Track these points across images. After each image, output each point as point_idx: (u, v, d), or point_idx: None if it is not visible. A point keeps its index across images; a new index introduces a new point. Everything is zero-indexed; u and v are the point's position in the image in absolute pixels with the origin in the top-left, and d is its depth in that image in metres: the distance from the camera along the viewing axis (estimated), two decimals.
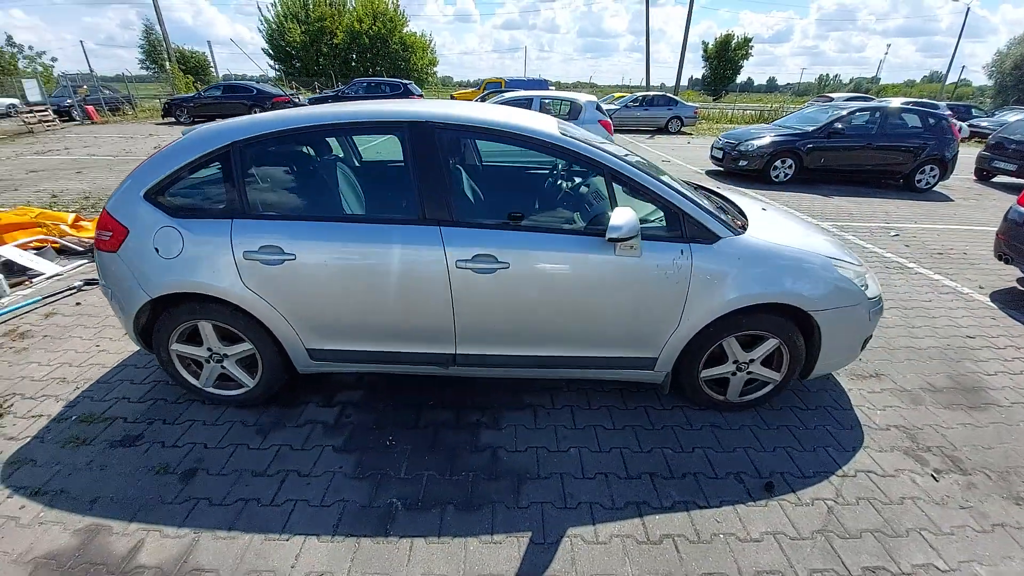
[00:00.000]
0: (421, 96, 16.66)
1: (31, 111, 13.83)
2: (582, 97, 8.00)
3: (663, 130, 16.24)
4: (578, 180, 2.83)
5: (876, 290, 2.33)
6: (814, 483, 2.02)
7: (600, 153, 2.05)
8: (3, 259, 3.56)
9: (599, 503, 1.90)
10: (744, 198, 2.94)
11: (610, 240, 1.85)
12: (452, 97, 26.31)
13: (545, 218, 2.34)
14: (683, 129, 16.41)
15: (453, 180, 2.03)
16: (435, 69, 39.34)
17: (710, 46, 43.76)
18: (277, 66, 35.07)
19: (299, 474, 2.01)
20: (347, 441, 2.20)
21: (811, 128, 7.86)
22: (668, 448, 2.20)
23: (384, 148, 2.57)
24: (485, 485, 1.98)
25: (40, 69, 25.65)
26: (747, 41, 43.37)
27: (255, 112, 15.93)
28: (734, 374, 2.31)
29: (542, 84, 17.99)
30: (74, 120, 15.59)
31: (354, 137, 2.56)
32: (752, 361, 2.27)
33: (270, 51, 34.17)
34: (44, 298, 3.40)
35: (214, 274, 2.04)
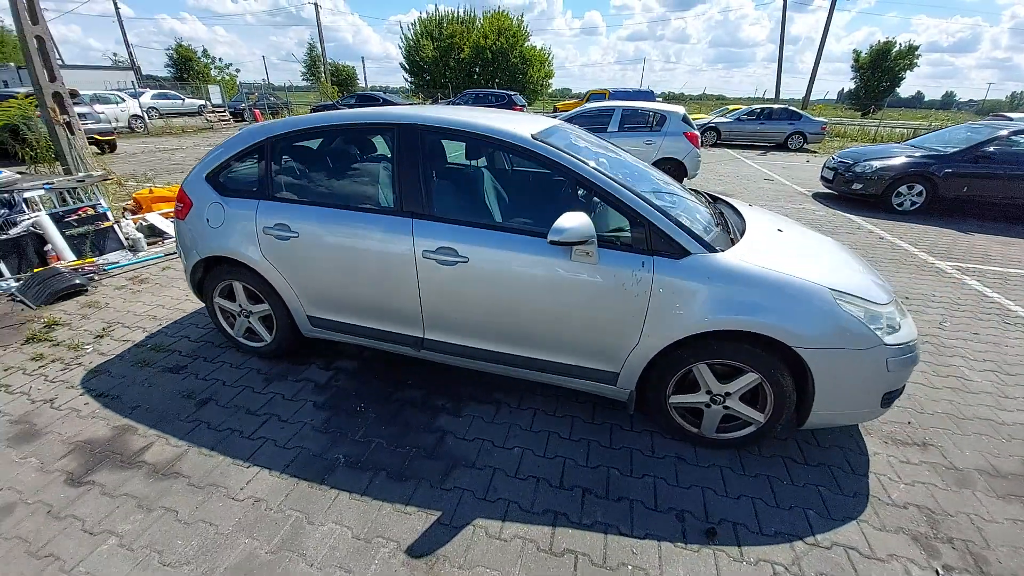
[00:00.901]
0: (524, 107, 17.25)
1: (213, 111, 17.58)
2: (667, 108, 7.64)
3: (782, 147, 14.61)
4: (559, 184, 2.78)
5: (907, 336, 1.94)
6: (770, 543, 1.76)
7: (566, 158, 2.03)
8: (148, 223, 4.66)
9: (518, 503, 1.90)
10: (765, 214, 2.65)
11: (551, 242, 1.84)
12: (555, 109, 26.69)
13: (510, 219, 2.38)
14: (807, 146, 14.57)
15: (428, 177, 2.19)
16: (551, 81, 40.29)
17: (863, 55, 38.04)
18: (411, 79, 39.06)
19: (279, 419, 2.35)
20: (327, 400, 2.49)
21: (953, 150, 6.48)
22: (616, 469, 2.09)
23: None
24: (421, 462, 2.10)
25: (226, 78, 32.05)
26: (912, 50, 36.75)
27: None
28: (708, 406, 2.11)
29: (648, 95, 17.39)
30: (244, 120, 19.30)
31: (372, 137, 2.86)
32: (729, 395, 2.05)
33: (406, 65, 38.21)
34: (166, 255, 4.38)
35: (243, 243, 2.48)
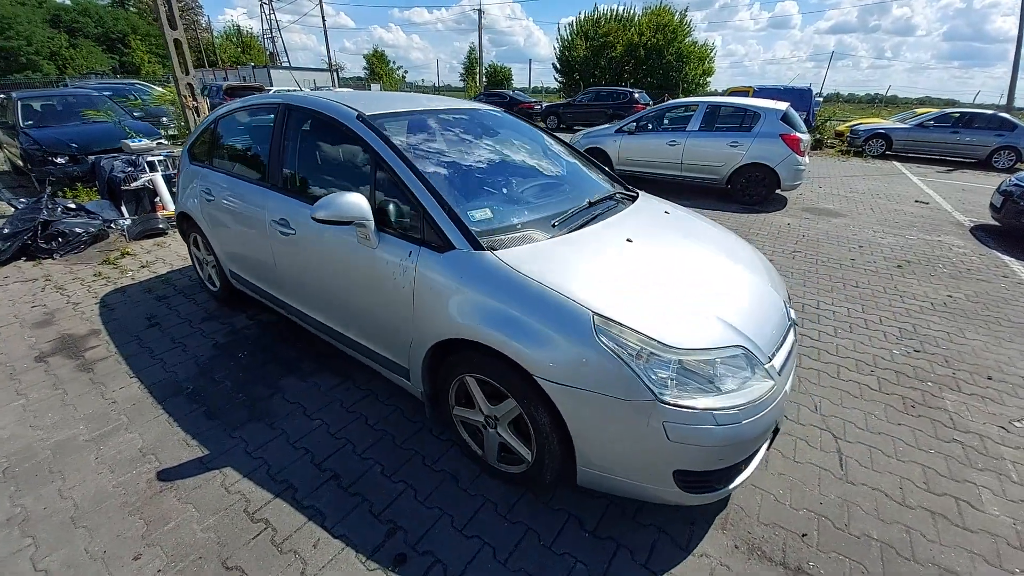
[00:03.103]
0: (648, 104, 16.17)
1: None
2: (764, 104, 6.36)
3: (984, 164, 10.84)
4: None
5: (726, 402, 1.39)
6: None
7: (376, 139, 1.95)
8: None
9: (272, 466, 1.98)
10: (668, 221, 2.16)
11: (313, 219, 1.83)
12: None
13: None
14: (1020, 164, 10.53)
15: (288, 153, 2.36)
16: (709, 79, 36.74)
17: None
18: (561, 79, 39.78)
19: (183, 348, 2.83)
20: (226, 343, 2.90)
21: None
22: (381, 465, 2.00)
23: None
24: (237, 409, 2.32)
25: (396, 77, 37.07)
26: None
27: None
28: (484, 428, 1.86)
29: (804, 94, 14.52)
30: None
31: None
32: (499, 420, 1.78)
33: (557, 66, 39.01)
34: None
35: (191, 201, 3.03)
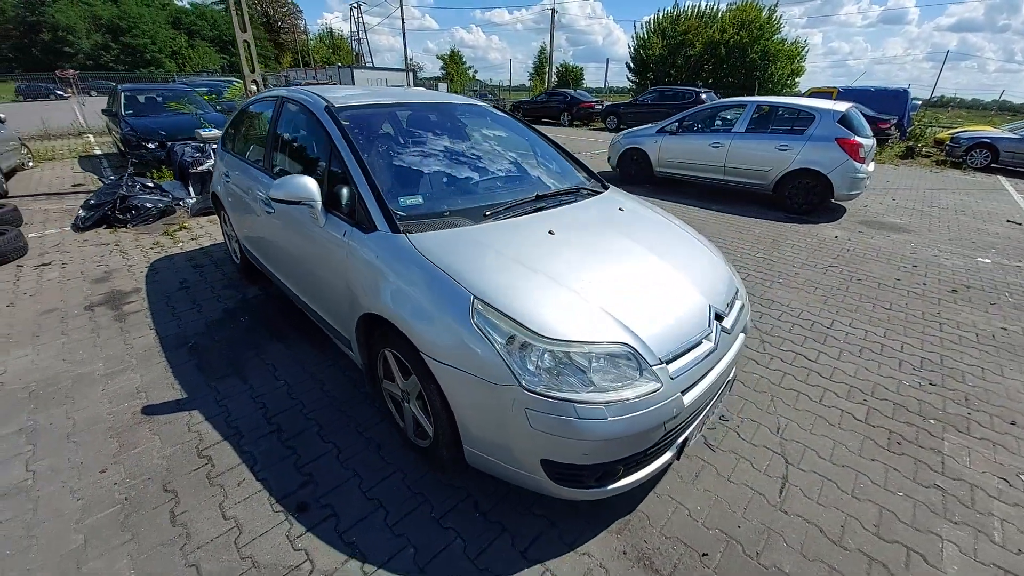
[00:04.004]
0: None
1: None
2: (820, 105, 5.76)
3: None
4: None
5: (599, 398, 1.37)
6: (321, 542, 1.64)
7: (332, 127, 2.12)
8: None
9: (229, 415, 2.23)
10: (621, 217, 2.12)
11: (271, 198, 2.03)
12: None
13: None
14: None
15: (279, 139, 2.62)
16: (798, 79, 33.73)
17: None
18: (633, 79, 38.67)
19: (199, 309, 3.23)
20: (234, 308, 3.27)
21: None
22: (320, 426, 2.18)
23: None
24: (218, 362, 2.64)
25: (468, 77, 38.07)
26: None
27: (565, 114, 18.78)
28: (403, 401, 1.96)
29: (899, 96, 12.89)
30: None
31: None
32: (409, 394, 1.88)
33: (630, 65, 37.94)
34: None
35: (217, 182, 3.44)
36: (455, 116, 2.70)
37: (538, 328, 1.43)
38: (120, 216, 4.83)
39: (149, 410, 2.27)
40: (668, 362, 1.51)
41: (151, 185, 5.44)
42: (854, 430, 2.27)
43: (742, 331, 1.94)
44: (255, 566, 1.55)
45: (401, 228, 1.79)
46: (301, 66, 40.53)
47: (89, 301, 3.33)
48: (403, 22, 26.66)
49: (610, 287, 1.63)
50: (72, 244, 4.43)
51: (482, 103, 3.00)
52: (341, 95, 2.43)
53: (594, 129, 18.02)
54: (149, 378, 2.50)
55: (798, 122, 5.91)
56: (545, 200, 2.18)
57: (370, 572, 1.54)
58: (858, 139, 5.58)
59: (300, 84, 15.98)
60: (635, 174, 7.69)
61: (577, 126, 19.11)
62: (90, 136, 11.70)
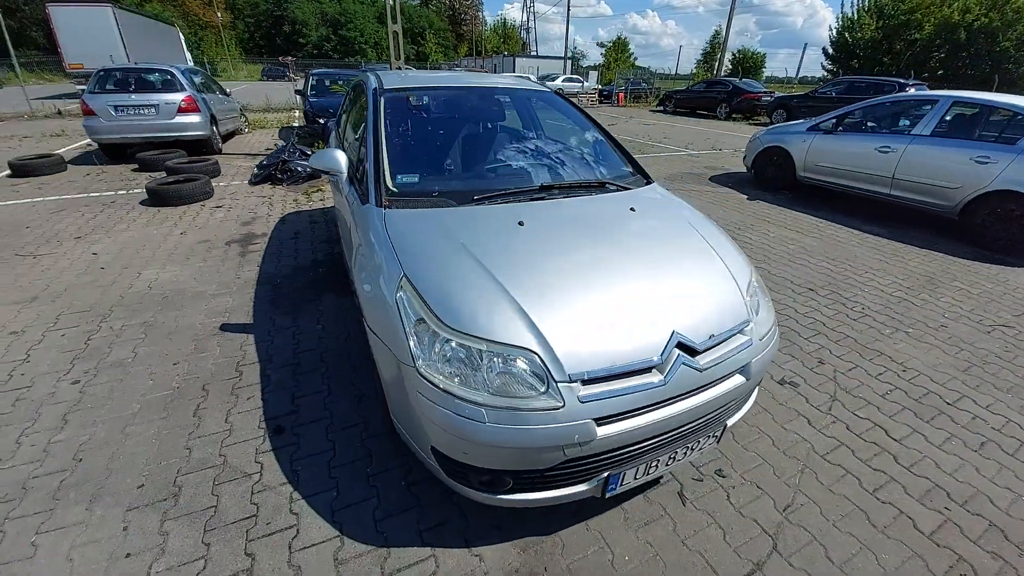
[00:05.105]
0: None
1: (584, 93, 21.17)
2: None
3: None
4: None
5: (481, 399, 1.31)
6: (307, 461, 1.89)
7: (372, 108, 2.33)
8: None
9: (273, 339, 2.70)
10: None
11: (310, 167, 2.33)
12: None
13: None
14: None
15: (351, 115, 2.94)
16: None
17: None
18: (831, 66, 32.50)
19: (297, 256, 3.90)
20: (320, 259, 3.85)
21: None
22: (327, 367, 2.48)
23: None
24: (287, 302, 3.16)
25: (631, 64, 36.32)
26: None
27: (723, 106, 16.82)
28: None
29: None
30: (609, 100, 22.19)
31: None
32: None
33: (828, 51, 31.83)
34: None
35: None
36: (494, 100, 2.70)
37: (443, 315, 1.41)
38: (279, 176, 6.02)
39: (224, 327, 2.87)
40: (585, 383, 1.34)
41: (309, 153, 6.63)
42: (905, 542, 1.69)
43: (741, 375, 1.59)
44: (225, 463, 1.89)
45: (385, 203, 1.91)
46: (474, 55, 43.88)
47: (231, 238, 4.28)
48: (568, 10, 26.77)
49: (547, 289, 1.50)
50: (242, 194, 5.70)
51: (543, 87, 2.92)
52: (397, 78, 2.63)
53: (755, 124, 15.77)
54: (236, 303, 3.14)
55: (1011, 127, 4.33)
56: (549, 191, 2.07)
57: (296, 498, 1.74)
58: None
59: (460, 70, 17.39)
60: (772, 178, 6.59)
61: (735, 119, 16.98)
62: (296, 111, 14.65)
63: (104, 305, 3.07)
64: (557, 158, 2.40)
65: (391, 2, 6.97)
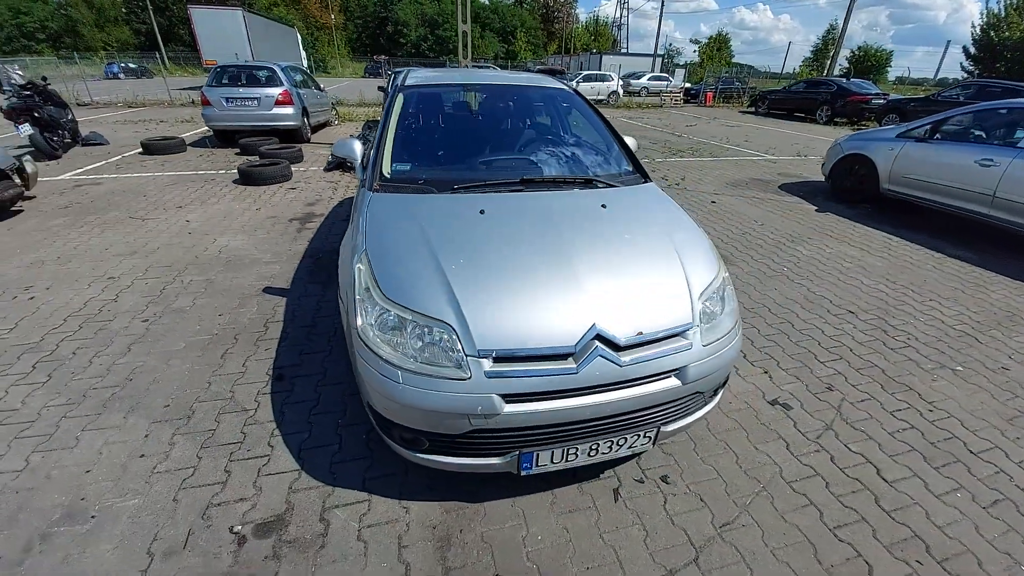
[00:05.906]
0: None
1: (669, 92, 20.18)
2: None
3: None
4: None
5: (395, 360, 1.48)
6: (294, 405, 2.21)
7: (390, 103, 2.58)
8: None
9: (301, 304, 3.09)
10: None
11: (332, 155, 2.63)
12: None
13: None
14: None
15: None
16: None
17: None
18: (972, 67, 27.82)
19: (342, 233, 4.35)
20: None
21: None
22: (339, 331, 2.80)
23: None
24: (323, 273, 3.57)
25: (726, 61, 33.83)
26: None
27: (825, 108, 15.13)
28: None
29: None
30: (696, 100, 20.95)
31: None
32: None
33: (970, 50, 27.23)
34: None
35: None
36: (506, 97, 2.82)
37: (383, 287, 1.59)
38: (348, 164, 6.64)
39: (267, 289, 3.33)
40: (496, 360, 1.45)
41: None
42: None
43: (676, 378, 1.58)
44: (232, 398, 2.25)
45: (375, 188, 2.14)
46: (562, 52, 43.81)
47: (294, 216, 4.87)
48: (662, 5, 25.66)
49: (482, 271, 1.62)
50: (315, 178, 6.39)
51: (563, 85, 2.98)
52: (422, 75, 2.86)
53: (859, 128, 14.05)
54: (282, 270, 3.62)
55: None
56: (529, 184, 2.17)
57: (275, 434, 2.04)
58: None
59: (534, 68, 17.55)
60: (851, 189, 5.95)
61: (838, 124, 15.23)
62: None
63: (183, 263, 3.70)
64: (551, 153, 2.47)
65: (462, 4, 7.35)
